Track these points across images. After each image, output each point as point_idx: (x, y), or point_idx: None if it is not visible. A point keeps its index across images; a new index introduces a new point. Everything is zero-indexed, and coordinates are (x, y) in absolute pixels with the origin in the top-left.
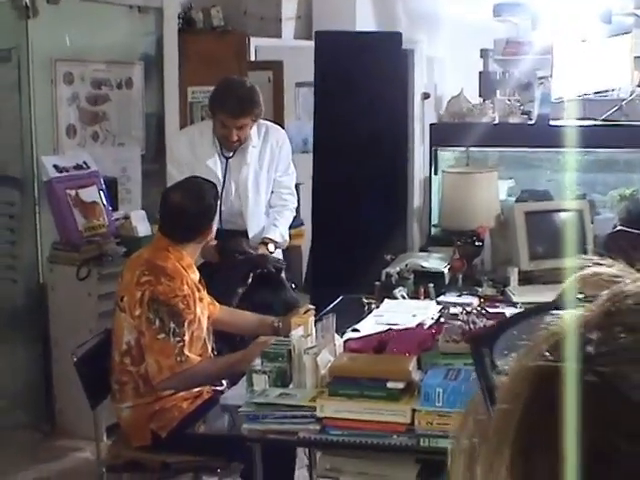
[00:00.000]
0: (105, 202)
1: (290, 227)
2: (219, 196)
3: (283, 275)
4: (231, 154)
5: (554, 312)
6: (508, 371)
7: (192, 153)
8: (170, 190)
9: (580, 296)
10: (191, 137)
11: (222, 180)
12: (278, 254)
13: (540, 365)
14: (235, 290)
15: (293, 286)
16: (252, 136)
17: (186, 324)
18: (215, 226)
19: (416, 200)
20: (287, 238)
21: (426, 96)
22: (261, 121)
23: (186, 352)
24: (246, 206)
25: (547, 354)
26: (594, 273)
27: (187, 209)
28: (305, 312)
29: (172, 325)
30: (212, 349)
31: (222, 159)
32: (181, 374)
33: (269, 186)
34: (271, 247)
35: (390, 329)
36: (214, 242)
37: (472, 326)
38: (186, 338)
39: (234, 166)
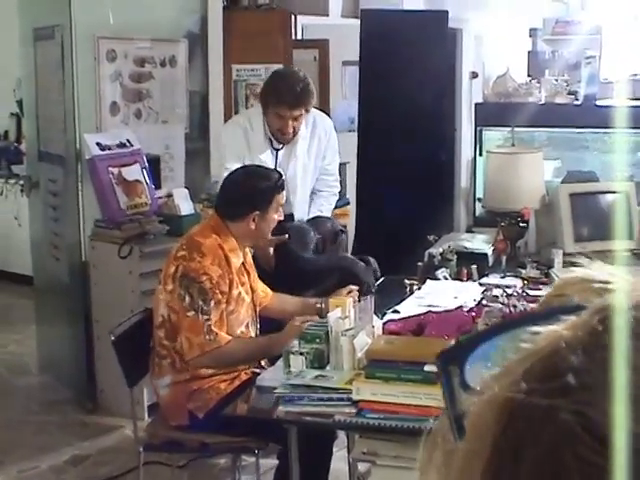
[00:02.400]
0: (148, 180)
1: (335, 207)
2: (279, 188)
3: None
4: (280, 146)
5: (538, 324)
6: (475, 401)
7: (247, 146)
8: (239, 168)
9: (569, 305)
10: (244, 129)
11: None
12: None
13: (512, 397)
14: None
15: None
16: (301, 127)
17: (213, 303)
18: (267, 222)
19: (463, 180)
20: None
21: (474, 75)
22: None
23: (215, 329)
24: (294, 195)
25: (522, 384)
26: (582, 279)
27: (237, 183)
28: (348, 293)
29: (200, 303)
30: (256, 335)
31: (272, 151)
32: (212, 352)
33: (315, 174)
34: None
35: (430, 311)
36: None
37: (512, 309)
38: (214, 317)
39: (283, 158)
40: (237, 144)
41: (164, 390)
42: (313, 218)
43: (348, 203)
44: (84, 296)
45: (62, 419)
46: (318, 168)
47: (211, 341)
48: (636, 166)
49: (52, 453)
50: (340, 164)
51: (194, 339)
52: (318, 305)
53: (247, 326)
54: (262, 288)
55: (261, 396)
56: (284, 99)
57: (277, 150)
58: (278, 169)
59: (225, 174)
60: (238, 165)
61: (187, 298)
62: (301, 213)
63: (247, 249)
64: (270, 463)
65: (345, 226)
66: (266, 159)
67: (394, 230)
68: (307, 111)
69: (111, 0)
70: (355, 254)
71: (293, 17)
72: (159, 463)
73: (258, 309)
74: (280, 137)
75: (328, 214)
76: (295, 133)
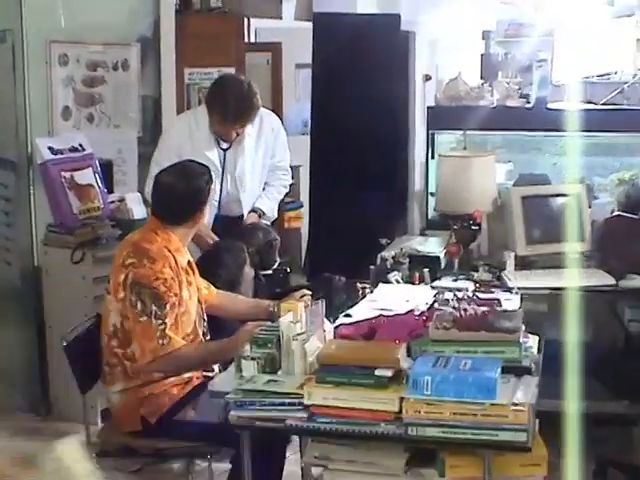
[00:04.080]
0: (100, 185)
1: (289, 209)
2: (212, 181)
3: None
4: (228, 145)
5: None
6: None
7: (190, 142)
8: (163, 172)
9: None
10: (189, 125)
11: (220, 171)
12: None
13: None
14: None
15: (288, 270)
16: (247, 126)
17: (168, 306)
18: (208, 212)
19: (417, 184)
20: (275, 214)
21: (427, 78)
22: None
23: (169, 333)
24: (244, 193)
25: None
26: None
27: (176, 190)
28: (301, 297)
29: (154, 308)
30: (204, 334)
31: (219, 151)
32: (165, 357)
33: (264, 170)
34: (254, 216)
35: (381, 315)
36: (212, 238)
37: (463, 313)
38: (168, 321)
39: (231, 157)
40: (177, 140)
41: (116, 396)
42: (243, 232)
43: (301, 206)
44: (37, 301)
45: (15, 425)
46: (267, 166)
47: (164, 345)
48: (587, 169)
49: (4, 461)
50: (293, 167)
51: (147, 345)
52: (271, 308)
53: (195, 324)
54: (204, 284)
55: (213, 401)
56: (228, 116)
57: (224, 150)
58: (220, 168)
59: (153, 167)
60: (167, 162)
61: (139, 304)
62: (249, 209)
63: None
64: (223, 467)
65: (299, 228)
66: (212, 157)
67: (347, 233)
68: (251, 122)
69: (63, 4)
70: (309, 257)
71: (246, 20)
72: (113, 469)
73: (204, 306)
74: (224, 139)
75: (274, 203)
76: (238, 136)
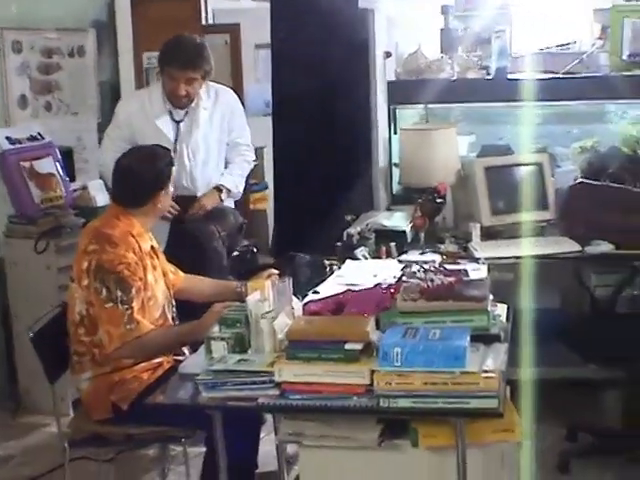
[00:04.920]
0: (61, 173)
1: (254, 191)
2: (172, 164)
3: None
4: (182, 117)
5: None
6: None
7: (142, 113)
8: (123, 155)
9: None
10: (142, 98)
11: (173, 142)
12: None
13: None
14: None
15: (255, 249)
16: (202, 97)
17: (134, 291)
18: (168, 195)
19: (381, 160)
20: (241, 189)
21: (388, 55)
22: (210, 83)
23: (136, 317)
24: (195, 166)
25: None
26: None
27: (135, 171)
28: (268, 276)
29: (119, 293)
30: (173, 319)
31: (173, 123)
32: (132, 342)
33: (221, 148)
34: (224, 195)
35: (348, 290)
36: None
37: (430, 283)
38: (135, 305)
39: (185, 129)
40: (127, 112)
41: (85, 384)
42: (215, 215)
43: (266, 187)
44: (1, 293)
45: None
46: (224, 143)
47: (132, 330)
48: (549, 138)
49: None
50: (256, 149)
51: (114, 331)
52: (238, 289)
53: (164, 309)
54: (171, 269)
55: (184, 384)
56: (176, 60)
57: (178, 122)
58: (173, 141)
59: (104, 140)
60: (117, 133)
61: (104, 291)
62: (204, 188)
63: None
64: (199, 451)
65: (264, 210)
66: (163, 127)
67: (313, 212)
68: (203, 78)
69: None
70: (275, 238)
71: (203, 2)
72: (86, 458)
73: (172, 291)
74: (174, 101)
75: (239, 179)
76: (190, 98)
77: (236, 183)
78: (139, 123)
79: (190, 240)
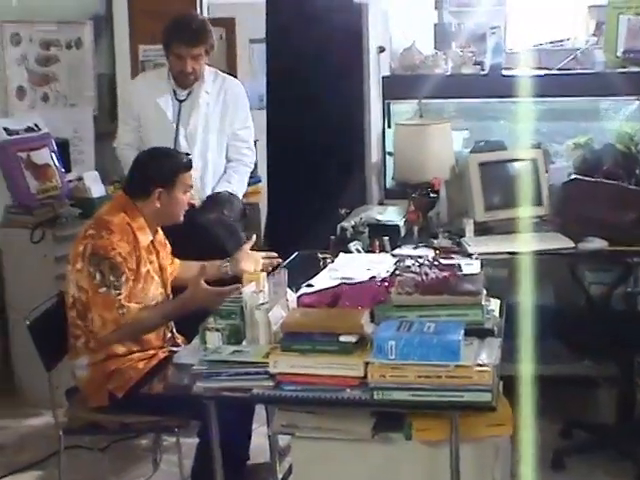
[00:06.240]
0: (58, 164)
1: (248, 184)
2: (184, 169)
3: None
4: (185, 97)
5: None
6: None
7: (145, 92)
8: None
9: None
10: (147, 77)
11: (174, 122)
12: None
13: None
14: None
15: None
16: (206, 80)
17: (124, 278)
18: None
19: (374, 154)
20: (240, 196)
21: (381, 50)
22: (219, 72)
23: (125, 303)
24: (193, 146)
25: None
26: None
27: (141, 162)
28: (266, 258)
29: (112, 278)
30: None
31: (175, 102)
32: (125, 326)
33: (221, 136)
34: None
35: (343, 283)
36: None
37: (425, 277)
38: (124, 291)
39: (185, 109)
40: (131, 92)
41: (82, 371)
42: (220, 201)
43: (260, 181)
44: None
45: None
46: (225, 132)
47: (124, 314)
48: (543, 134)
49: None
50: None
51: (107, 315)
52: (223, 268)
53: (157, 304)
54: (169, 262)
55: (179, 373)
56: (182, 36)
57: (180, 102)
58: (173, 119)
59: (119, 124)
60: (125, 114)
61: (98, 275)
62: (201, 168)
63: (158, 228)
64: (192, 442)
65: (257, 204)
66: (164, 106)
67: (306, 206)
68: (207, 53)
69: None
70: (268, 231)
71: None
72: (80, 447)
73: (169, 287)
74: (181, 79)
75: (239, 187)
76: (196, 75)
77: (235, 191)
78: (142, 100)
79: (200, 231)
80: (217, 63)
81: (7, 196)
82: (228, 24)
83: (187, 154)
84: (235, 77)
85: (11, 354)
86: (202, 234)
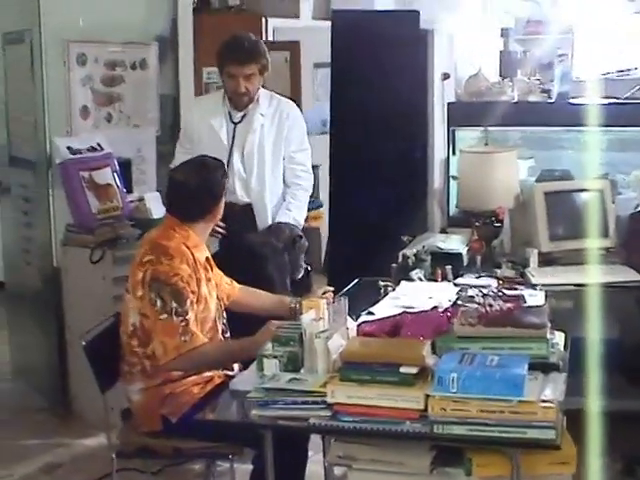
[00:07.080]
0: (119, 184)
1: (309, 209)
2: (226, 175)
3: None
4: (239, 119)
5: None
6: None
7: (200, 114)
8: (176, 168)
9: None
10: (204, 100)
11: (228, 146)
12: None
13: None
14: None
15: (309, 268)
16: (261, 103)
17: (188, 302)
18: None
19: (437, 181)
20: (301, 222)
21: (446, 76)
22: (275, 94)
23: (191, 329)
24: (250, 173)
25: None
26: None
27: (189, 184)
28: (323, 293)
29: (174, 304)
30: (223, 331)
31: (229, 124)
32: (187, 354)
33: (276, 158)
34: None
35: (405, 312)
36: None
37: (488, 309)
38: (189, 317)
39: (240, 132)
40: (190, 116)
41: (136, 395)
42: (271, 226)
43: (321, 206)
44: (56, 301)
45: (35, 426)
46: (280, 155)
47: (187, 342)
48: (610, 164)
49: (25, 461)
50: (313, 167)
51: (169, 342)
52: (292, 305)
53: (215, 321)
54: (226, 280)
55: (235, 400)
56: (234, 56)
57: (235, 124)
58: (227, 143)
59: (177, 147)
60: (184, 138)
61: (159, 302)
62: (256, 194)
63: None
64: (245, 468)
65: (318, 228)
66: (218, 128)
67: (368, 232)
68: (261, 73)
69: (81, 3)
70: (329, 257)
71: (264, 19)
72: (133, 470)
73: (224, 303)
74: (236, 100)
75: (298, 213)
76: (250, 96)
77: (296, 218)
78: (197, 122)
79: (245, 251)
80: (281, 86)
81: (68, 215)
82: (293, 48)
83: (215, 158)
84: (299, 103)
85: (68, 373)
86: (245, 253)
